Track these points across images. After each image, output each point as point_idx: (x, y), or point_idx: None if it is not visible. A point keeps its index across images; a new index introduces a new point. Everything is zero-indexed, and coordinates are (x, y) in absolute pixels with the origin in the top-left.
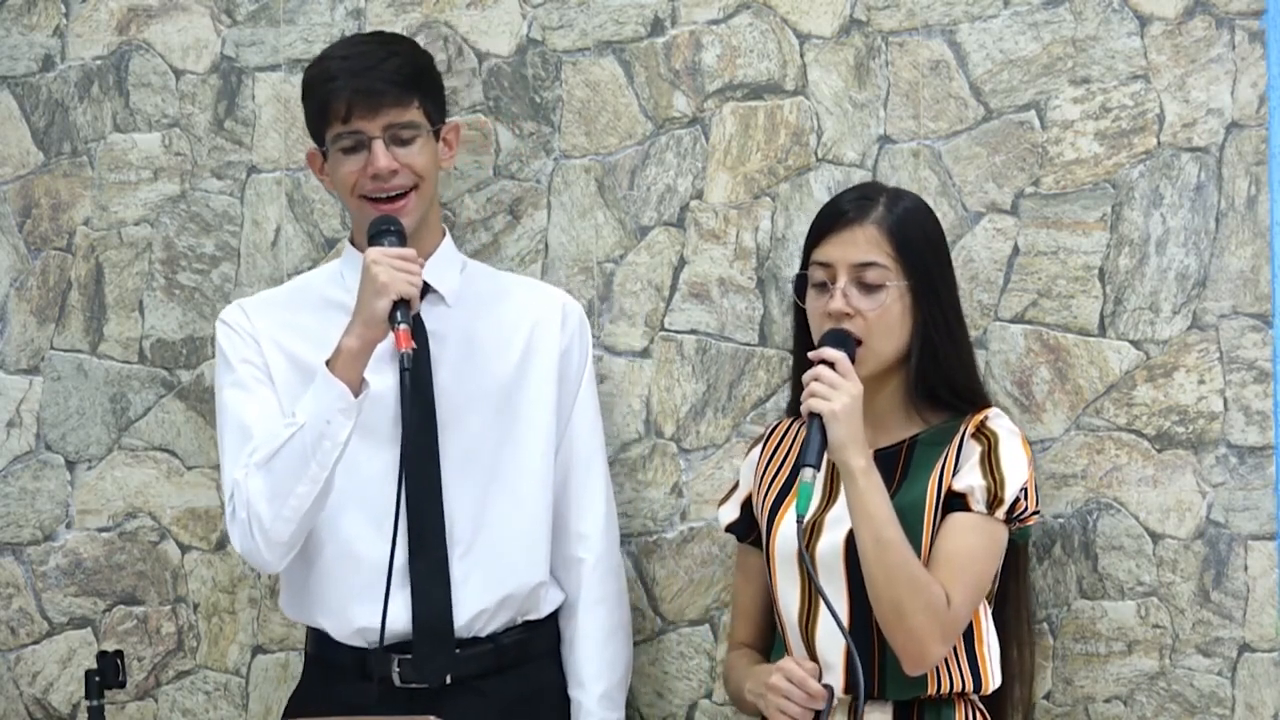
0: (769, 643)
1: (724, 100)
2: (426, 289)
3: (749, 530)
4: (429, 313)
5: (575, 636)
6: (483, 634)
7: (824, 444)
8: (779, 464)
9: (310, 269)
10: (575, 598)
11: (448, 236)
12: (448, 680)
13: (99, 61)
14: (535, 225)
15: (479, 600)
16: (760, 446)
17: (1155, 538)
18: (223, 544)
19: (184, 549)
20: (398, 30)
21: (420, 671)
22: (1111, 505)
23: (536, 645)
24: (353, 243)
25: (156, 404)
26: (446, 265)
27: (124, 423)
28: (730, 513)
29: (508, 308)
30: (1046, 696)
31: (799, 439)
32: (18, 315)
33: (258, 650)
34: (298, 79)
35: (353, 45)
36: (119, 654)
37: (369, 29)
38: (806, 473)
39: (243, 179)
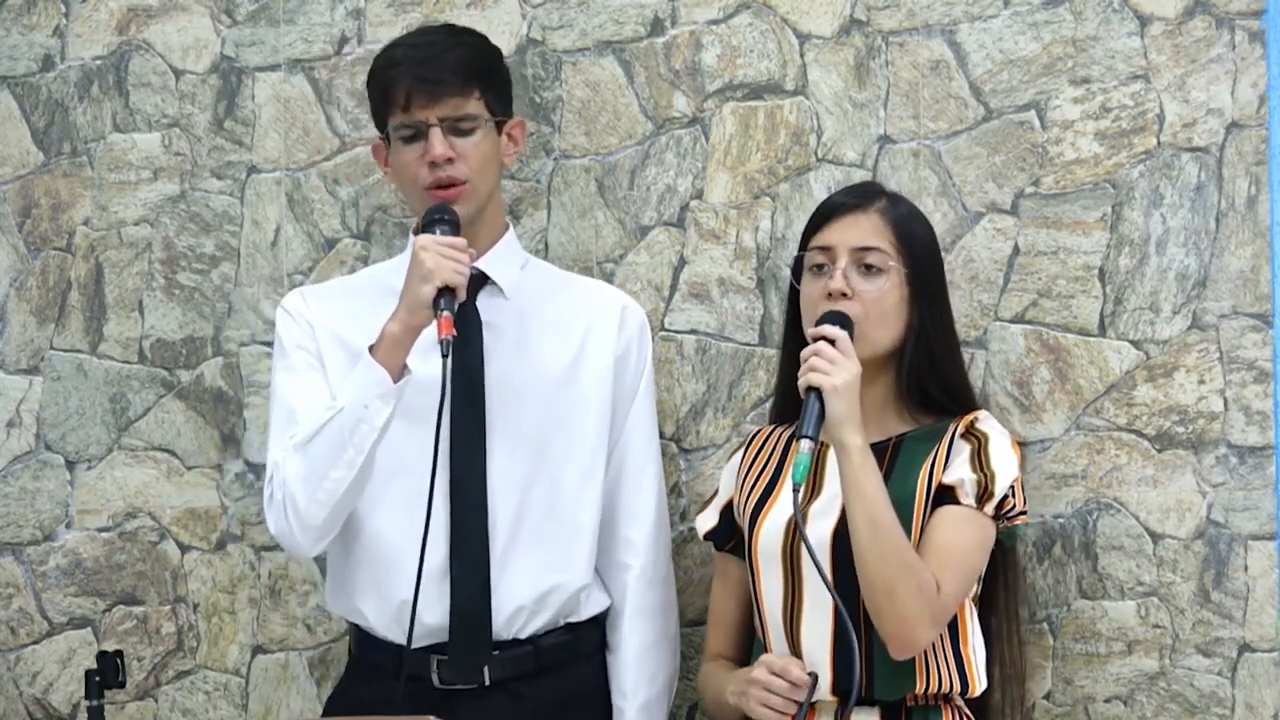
0: (746, 655)
1: (724, 100)
2: (485, 280)
3: (728, 537)
4: (486, 303)
5: (619, 645)
6: (522, 635)
7: (821, 418)
8: (760, 469)
9: (310, 269)
10: (621, 605)
11: (510, 231)
12: (486, 681)
13: (99, 61)
14: (535, 225)
15: (518, 596)
16: (742, 452)
17: (1155, 538)
18: (223, 544)
19: (184, 549)
20: (397, 30)
21: (456, 671)
22: (1111, 505)
23: (578, 648)
24: (416, 234)
25: (156, 404)
26: (507, 258)
27: (124, 423)
28: (709, 519)
29: (566, 304)
30: (1046, 696)
31: (781, 442)
32: (18, 315)
33: (258, 650)
34: (298, 79)
35: (421, 35)
36: (119, 654)
37: (369, 29)
38: (804, 444)
39: (242, 179)
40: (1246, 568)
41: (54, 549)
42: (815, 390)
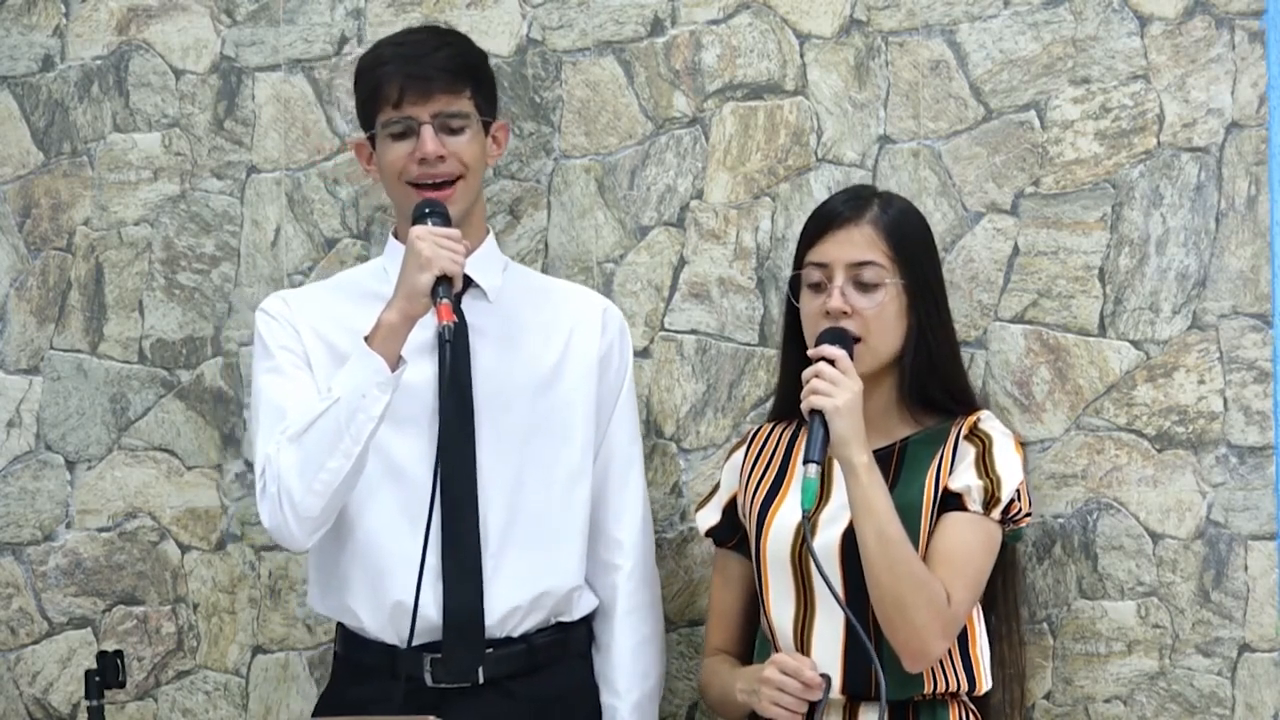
0: (747, 649)
1: (724, 100)
2: (469, 283)
3: (730, 535)
4: (470, 307)
5: (610, 643)
6: (515, 634)
7: (826, 440)
8: (764, 466)
9: (310, 269)
10: (610, 604)
11: (491, 235)
12: (480, 680)
13: (99, 61)
14: (535, 225)
15: (511, 598)
16: (744, 449)
17: (1155, 538)
18: (223, 544)
19: (184, 549)
20: (397, 30)
21: (450, 670)
22: (1111, 505)
23: (569, 647)
24: (396, 236)
25: (156, 404)
26: (490, 262)
27: (124, 423)
28: (711, 517)
29: (548, 307)
30: (1046, 696)
31: (783, 441)
32: (18, 315)
33: (258, 650)
34: (298, 79)
35: (408, 34)
36: (119, 654)
37: (369, 29)
38: (810, 469)
39: (242, 179)
40: (1246, 568)
41: (54, 549)
42: (818, 413)
